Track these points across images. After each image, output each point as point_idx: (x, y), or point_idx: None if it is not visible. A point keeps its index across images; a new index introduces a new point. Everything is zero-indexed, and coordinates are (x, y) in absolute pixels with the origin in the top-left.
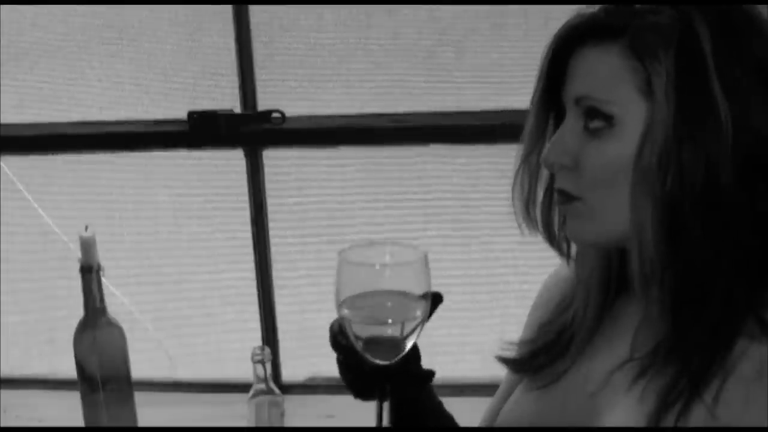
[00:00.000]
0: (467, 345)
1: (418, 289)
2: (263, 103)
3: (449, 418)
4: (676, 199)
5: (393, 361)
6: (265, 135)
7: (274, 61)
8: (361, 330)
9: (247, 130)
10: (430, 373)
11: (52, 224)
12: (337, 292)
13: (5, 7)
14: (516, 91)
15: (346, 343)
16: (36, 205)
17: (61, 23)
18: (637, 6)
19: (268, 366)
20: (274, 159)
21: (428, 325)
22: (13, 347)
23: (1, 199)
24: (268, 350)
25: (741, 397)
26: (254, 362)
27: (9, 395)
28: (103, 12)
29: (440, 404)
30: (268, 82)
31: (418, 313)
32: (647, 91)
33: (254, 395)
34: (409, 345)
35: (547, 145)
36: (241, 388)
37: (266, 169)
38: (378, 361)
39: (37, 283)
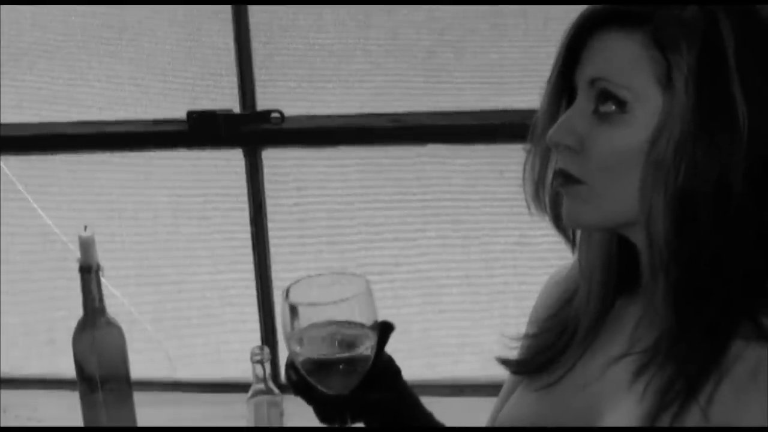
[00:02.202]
0: (467, 345)
1: (365, 319)
2: (262, 103)
3: (428, 416)
4: (688, 193)
5: (347, 392)
6: (264, 135)
7: (273, 61)
8: (311, 364)
9: (247, 130)
10: (391, 397)
11: (52, 224)
12: (284, 329)
13: (5, 7)
14: (515, 91)
15: (296, 378)
16: (35, 205)
17: (61, 23)
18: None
19: (268, 366)
20: (274, 159)
21: (428, 325)
22: (13, 347)
23: (1, 199)
24: (267, 350)
25: (734, 399)
26: (253, 362)
27: (8, 395)
28: (102, 12)
29: (417, 403)
30: (268, 82)
31: (367, 343)
32: (665, 83)
33: (253, 395)
34: (360, 375)
35: (555, 125)
36: (240, 388)
37: (265, 170)
38: (331, 393)
39: (36, 283)
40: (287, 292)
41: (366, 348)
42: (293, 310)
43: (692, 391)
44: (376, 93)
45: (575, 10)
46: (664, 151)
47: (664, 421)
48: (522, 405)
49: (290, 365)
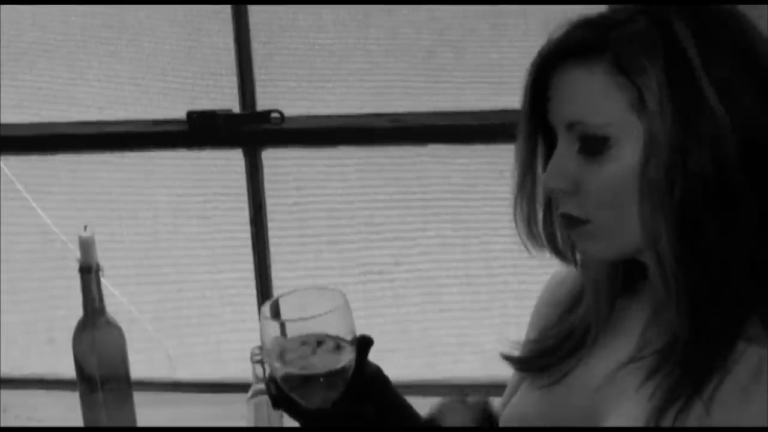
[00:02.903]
0: (466, 345)
1: (343, 333)
2: (262, 103)
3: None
4: (688, 205)
5: (328, 405)
6: (264, 135)
7: (273, 61)
8: (290, 379)
9: (246, 130)
10: (374, 409)
11: (51, 224)
12: (264, 346)
13: (5, 7)
14: (515, 91)
15: (277, 392)
16: (35, 205)
17: (61, 23)
18: (613, 17)
19: (267, 366)
20: (273, 159)
21: (428, 324)
22: (13, 347)
23: (1, 198)
24: None
25: (736, 398)
26: (253, 362)
27: (8, 395)
28: (102, 12)
29: (406, 411)
30: (267, 81)
31: (346, 357)
32: (640, 106)
33: (253, 395)
34: (339, 389)
35: (545, 172)
36: (240, 388)
37: (265, 169)
38: (311, 407)
39: (36, 282)
40: (265, 307)
41: (345, 362)
42: (272, 326)
43: (697, 390)
44: (376, 93)
45: (575, 11)
46: (655, 172)
47: (668, 419)
48: (526, 403)
49: (271, 379)
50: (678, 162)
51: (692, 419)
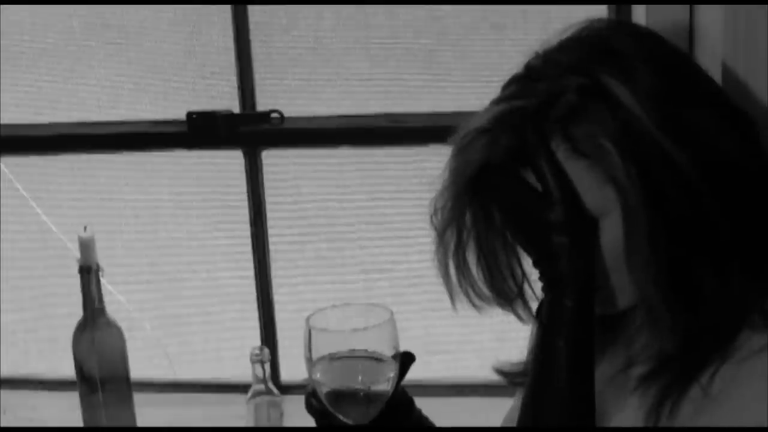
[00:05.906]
0: (467, 344)
1: (388, 349)
2: (262, 103)
3: None
4: (677, 259)
5: (367, 422)
6: (264, 135)
7: (273, 61)
8: (332, 393)
9: (246, 131)
10: (408, 426)
11: (50, 224)
12: (307, 358)
13: (5, 7)
14: None
15: (318, 406)
16: (34, 204)
17: (61, 23)
18: (539, 92)
19: (267, 366)
20: (273, 159)
21: (428, 323)
22: (12, 347)
23: (1, 198)
24: (266, 351)
25: (733, 375)
26: (253, 362)
27: (8, 395)
28: (102, 12)
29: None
30: (267, 82)
31: (389, 373)
32: (609, 178)
33: (253, 396)
34: (380, 405)
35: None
36: (240, 388)
37: (265, 169)
38: (351, 422)
39: (36, 282)
40: (310, 319)
41: (387, 379)
42: (316, 339)
43: (695, 378)
44: (376, 93)
45: (575, 10)
46: (637, 238)
47: (665, 410)
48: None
49: (311, 394)
50: (658, 223)
51: (688, 403)
